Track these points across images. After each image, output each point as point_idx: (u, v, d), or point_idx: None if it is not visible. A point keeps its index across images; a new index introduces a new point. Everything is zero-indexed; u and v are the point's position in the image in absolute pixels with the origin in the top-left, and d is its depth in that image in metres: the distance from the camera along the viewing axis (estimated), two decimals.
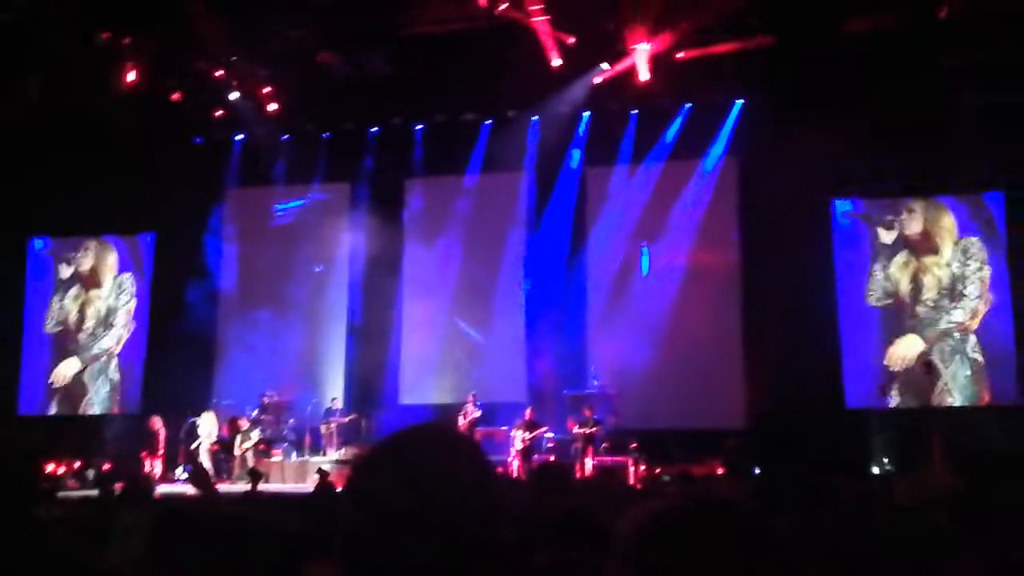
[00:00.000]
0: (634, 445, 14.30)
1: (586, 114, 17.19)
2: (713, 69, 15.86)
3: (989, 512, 3.04)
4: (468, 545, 1.16)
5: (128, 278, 18.92)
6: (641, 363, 16.12)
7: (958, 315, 15.40)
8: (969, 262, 15.48)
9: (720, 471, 12.82)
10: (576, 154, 17.30)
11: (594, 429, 14.42)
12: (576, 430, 14.62)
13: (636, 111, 16.97)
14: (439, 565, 1.15)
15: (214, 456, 15.83)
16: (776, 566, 1.09)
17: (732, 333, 16.10)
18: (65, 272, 19.12)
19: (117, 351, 18.69)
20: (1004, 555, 2.56)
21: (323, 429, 16.46)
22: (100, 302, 18.92)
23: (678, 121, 16.83)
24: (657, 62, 15.49)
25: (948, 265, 15.56)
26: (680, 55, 15.45)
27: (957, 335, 15.34)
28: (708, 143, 16.67)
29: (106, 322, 18.83)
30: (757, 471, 11.18)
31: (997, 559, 2.53)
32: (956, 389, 15.18)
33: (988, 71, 14.17)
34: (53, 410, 18.54)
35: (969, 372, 15.16)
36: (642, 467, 13.97)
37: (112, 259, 19.08)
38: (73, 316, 18.95)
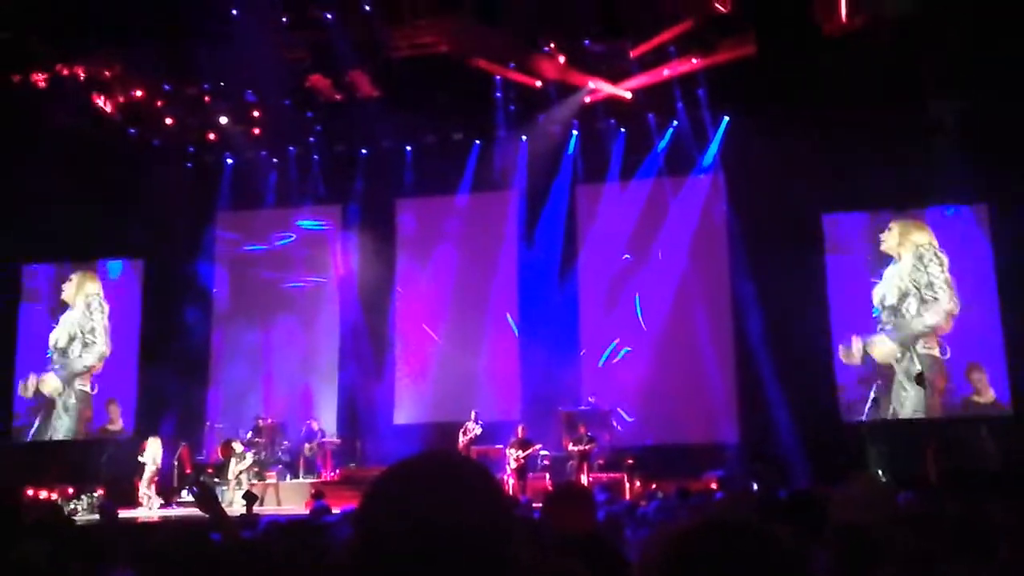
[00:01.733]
0: (630, 461, 14.29)
1: (575, 133, 17.31)
2: (699, 87, 16.05)
3: (983, 527, 3.08)
4: (479, 572, 1.18)
5: (96, 299, 18.85)
6: (635, 379, 16.17)
7: (928, 319, 15.58)
8: (929, 267, 15.67)
9: (714, 486, 12.81)
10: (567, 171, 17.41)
11: (589, 446, 14.40)
12: (571, 447, 14.61)
13: (624, 129, 17.10)
14: None
15: (157, 482, 15.68)
16: None
17: (725, 347, 16.15)
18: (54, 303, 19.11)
19: (95, 370, 18.61)
20: (996, 566, 2.60)
21: (306, 451, 16.41)
22: (74, 326, 18.85)
23: (666, 138, 16.95)
24: (642, 80, 15.67)
25: (910, 274, 15.76)
26: (665, 73, 15.58)
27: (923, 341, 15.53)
28: (696, 160, 16.78)
29: (82, 343, 18.76)
30: (755, 487, 11.18)
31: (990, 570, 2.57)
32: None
33: (970, 85, 14.30)
34: (34, 435, 18.40)
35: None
36: (637, 483, 13.95)
37: (95, 288, 19.01)
38: (61, 343, 18.91)
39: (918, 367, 15.25)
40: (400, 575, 1.17)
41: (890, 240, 16.03)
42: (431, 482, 1.23)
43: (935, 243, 15.82)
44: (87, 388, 18.60)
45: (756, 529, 1.13)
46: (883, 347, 15.68)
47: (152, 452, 15.76)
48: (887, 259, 15.99)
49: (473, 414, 15.38)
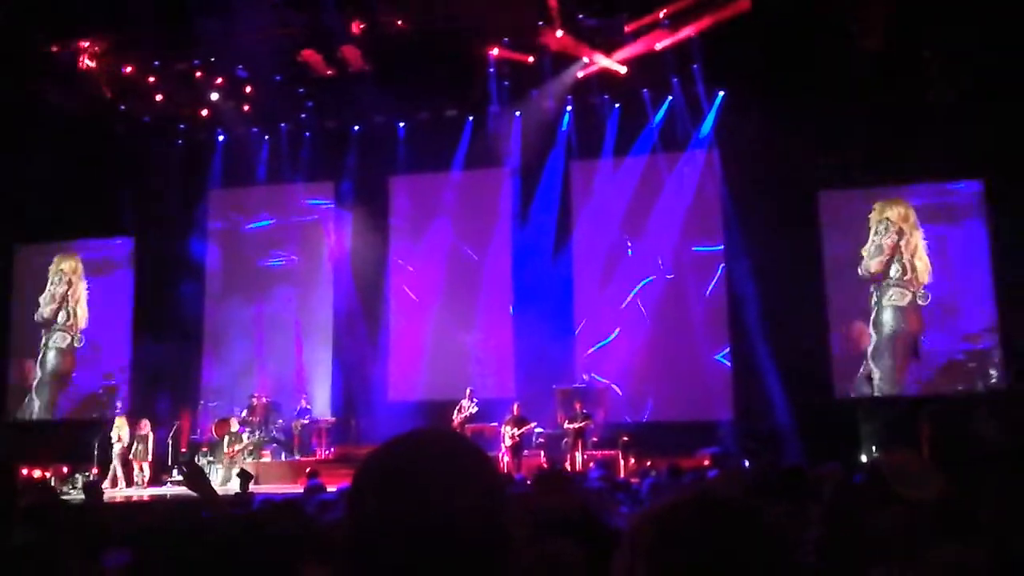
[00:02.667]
0: (625, 438, 14.33)
1: (569, 108, 17.23)
2: (694, 61, 15.97)
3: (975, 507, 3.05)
4: (472, 552, 1.16)
5: (77, 273, 18.84)
6: (629, 356, 16.19)
7: (894, 271, 15.72)
8: (890, 232, 15.80)
9: (707, 463, 12.84)
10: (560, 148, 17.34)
11: (584, 424, 14.44)
12: (566, 425, 14.64)
13: (619, 104, 17.01)
14: (446, 564, 1.15)
15: (124, 460, 15.69)
16: (779, 561, 1.10)
17: (719, 325, 16.16)
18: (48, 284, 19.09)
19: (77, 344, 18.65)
20: (989, 548, 2.58)
21: (294, 428, 16.45)
22: (56, 300, 18.87)
23: (661, 113, 16.88)
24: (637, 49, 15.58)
25: (891, 246, 15.84)
26: (660, 44, 15.49)
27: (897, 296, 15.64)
28: (691, 135, 16.71)
29: (68, 317, 18.78)
30: (747, 464, 11.21)
31: (983, 552, 2.55)
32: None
33: (967, 62, 14.23)
34: (34, 415, 18.39)
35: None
36: (632, 460, 13.99)
37: (78, 267, 18.98)
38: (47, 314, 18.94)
39: (913, 342, 15.29)
40: (392, 553, 1.15)
41: (872, 216, 16.08)
42: (422, 460, 1.21)
43: (912, 216, 15.82)
44: (71, 343, 18.58)
45: (739, 505, 1.12)
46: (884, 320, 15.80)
47: (119, 431, 15.77)
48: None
49: (468, 392, 15.39)
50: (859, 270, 15.87)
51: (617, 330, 16.61)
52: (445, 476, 1.19)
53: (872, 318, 15.70)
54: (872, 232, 15.99)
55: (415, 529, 1.15)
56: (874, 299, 15.76)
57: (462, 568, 1.15)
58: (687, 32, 15.25)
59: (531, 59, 16.20)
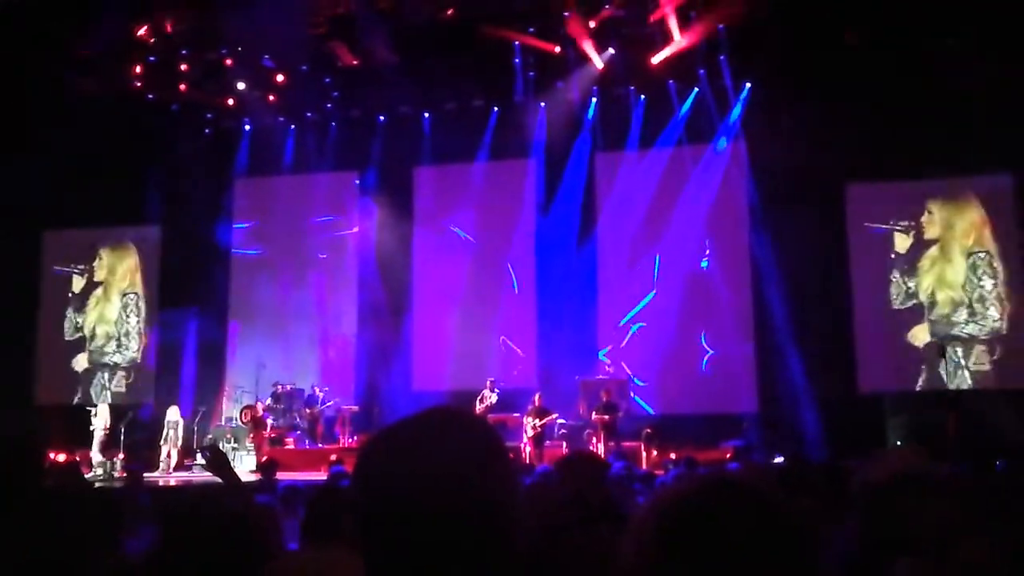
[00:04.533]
0: (648, 430, 14.26)
1: (594, 99, 17.16)
2: (721, 52, 15.86)
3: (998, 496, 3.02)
4: (480, 528, 1.15)
5: (133, 299, 18.97)
6: (653, 348, 16.13)
7: (972, 329, 15.38)
8: (983, 279, 15.41)
9: (729, 456, 12.79)
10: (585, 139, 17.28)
11: (611, 415, 14.32)
12: (594, 416, 14.57)
13: (644, 96, 16.92)
14: (452, 547, 1.14)
15: (104, 447, 15.83)
16: (798, 547, 1.07)
17: (744, 317, 16.07)
18: (78, 284, 19.23)
19: (126, 364, 18.84)
20: (1013, 539, 2.55)
21: (309, 416, 16.50)
22: (109, 324, 19.02)
23: (687, 105, 16.77)
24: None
25: (962, 286, 15.49)
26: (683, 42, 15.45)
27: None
28: (717, 127, 16.60)
29: (118, 339, 18.92)
30: (780, 459, 11.15)
31: (1006, 543, 2.52)
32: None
33: (993, 51, 14.03)
34: (71, 399, 18.59)
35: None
36: (654, 452, 13.94)
37: (128, 264, 19.11)
38: (89, 324, 19.08)
39: (939, 341, 15.13)
40: (396, 533, 1.15)
41: (931, 228, 15.74)
42: (426, 433, 1.20)
43: (990, 243, 15.47)
44: (117, 387, 18.76)
45: (759, 490, 1.08)
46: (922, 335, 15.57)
47: (103, 418, 15.92)
48: (917, 251, 15.74)
49: (489, 382, 15.38)
50: (906, 290, 15.63)
51: (641, 322, 16.55)
52: (450, 452, 1.17)
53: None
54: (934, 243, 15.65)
55: (417, 508, 1.14)
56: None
57: (468, 549, 1.14)
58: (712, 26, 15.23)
59: (557, 49, 16.14)
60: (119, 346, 18.88)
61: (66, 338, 19.06)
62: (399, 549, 1.15)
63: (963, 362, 15.19)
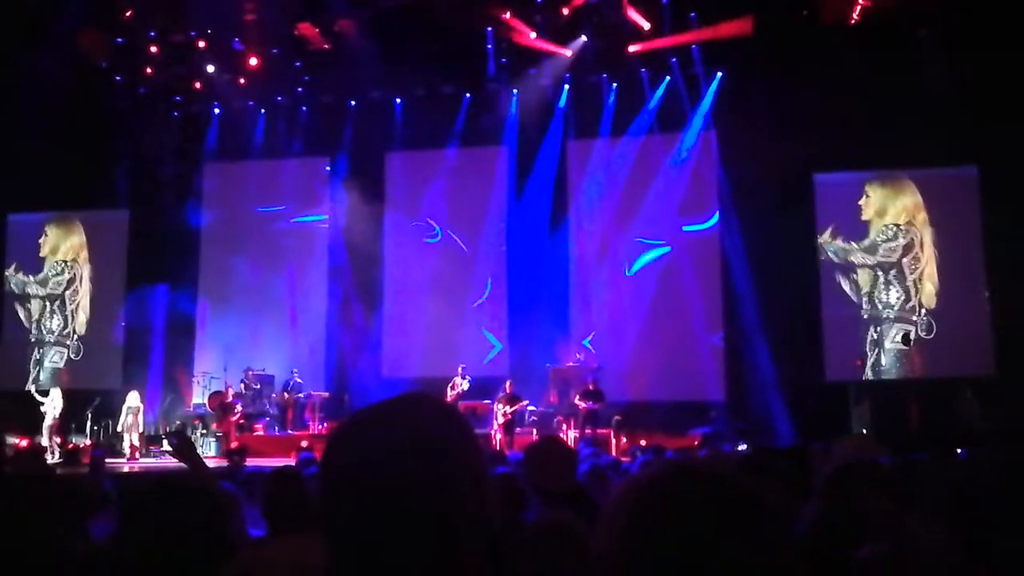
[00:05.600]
0: (618, 418, 14.33)
1: (566, 87, 17.14)
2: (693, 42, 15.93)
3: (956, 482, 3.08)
4: (448, 513, 1.14)
5: (81, 262, 18.76)
6: (624, 335, 16.20)
7: (892, 298, 15.62)
8: (895, 245, 15.66)
9: (697, 443, 12.88)
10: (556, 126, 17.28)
11: (597, 403, 14.32)
12: (577, 401, 14.58)
13: (616, 84, 16.93)
14: (420, 534, 1.13)
15: (58, 432, 15.79)
16: (767, 530, 1.08)
17: (713, 305, 16.18)
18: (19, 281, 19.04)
19: (79, 334, 18.64)
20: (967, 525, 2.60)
21: (284, 402, 16.45)
22: (52, 291, 18.85)
23: (659, 93, 16.81)
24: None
25: (874, 253, 15.76)
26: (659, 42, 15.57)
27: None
28: (688, 116, 16.65)
29: (62, 308, 18.72)
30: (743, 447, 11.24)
31: (961, 528, 2.57)
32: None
33: (964, 43, 14.19)
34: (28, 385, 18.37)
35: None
36: (624, 439, 14.02)
37: (74, 241, 18.89)
38: (35, 304, 18.89)
39: (904, 328, 15.34)
40: (362, 512, 1.14)
41: (868, 208, 16.00)
42: (394, 420, 1.19)
43: (921, 212, 15.74)
44: (68, 353, 18.58)
45: (725, 475, 1.09)
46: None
47: (54, 403, 15.86)
48: (864, 226, 15.98)
49: (460, 369, 15.39)
50: (848, 282, 15.87)
51: (611, 309, 16.61)
52: (417, 441, 1.16)
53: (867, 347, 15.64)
54: (873, 233, 15.90)
55: (384, 494, 1.13)
56: (872, 334, 15.69)
57: (436, 535, 1.14)
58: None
59: (533, 35, 16.10)
60: (65, 322, 18.69)
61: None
62: (366, 536, 1.14)
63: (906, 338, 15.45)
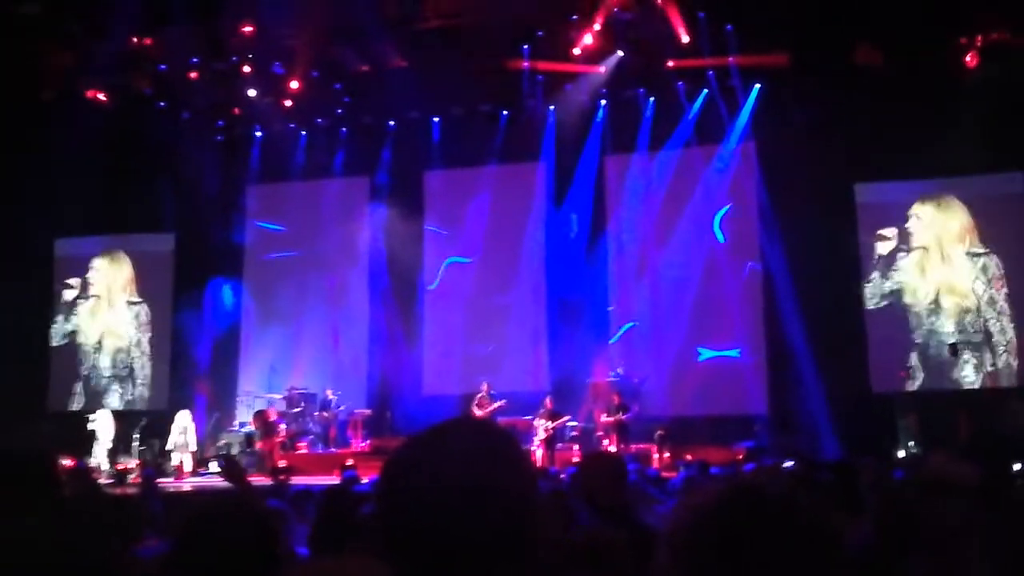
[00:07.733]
0: (660, 432, 14.24)
1: (603, 102, 17.16)
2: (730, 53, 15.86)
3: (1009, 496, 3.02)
4: (504, 536, 1.17)
5: (143, 309, 19.02)
6: (664, 349, 16.11)
7: (975, 335, 15.34)
8: (990, 290, 15.35)
9: (741, 457, 12.76)
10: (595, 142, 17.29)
11: (623, 416, 14.29)
12: (604, 418, 14.56)
13: (654, 98, 16.92)
14: (477, 557, 1.15)
15: (112, 454, 15.96)
16: (828, 555, 1.09)
17: (755, 318, 16.04)
18: (70, 293, 19.28)
19: (127, 359, 18.94)
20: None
21: (321, 420, 16.54)
22: (114, 333, 19.08)
23: (696, 106, 16.75)
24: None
25: (972, 292, 15.43)
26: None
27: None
28: (727, 128, 16.58)
29: (126, 350, 18.98)
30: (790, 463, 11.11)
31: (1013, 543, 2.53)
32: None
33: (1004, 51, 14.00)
34: (77, 406, 18.65)
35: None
36: (667, 453, 13.93)
37: (125, 275, 19.20)
38: (87, 330, 19.14)
39: (951, 339, 15.09)
40: (420, 538, 1.16)
41: (920, 230, 15.75)
42: (452, 444, 1.22)
43: (975, 242, 15.46)
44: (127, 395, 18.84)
45: (786, 496, 1.10)
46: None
47: (104, 424, 16.07)
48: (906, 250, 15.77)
49: (485, 386, 15.34)
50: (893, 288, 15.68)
51: (651, 323, 16.53)
52: (473, 458, 1.19)
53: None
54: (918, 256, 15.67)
55: (442, 518, 1.15)
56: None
57: (491, 560, 1.16)
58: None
59: (576, 52, 16.14)
60: (128, 356, 18.95)
61: (53, 343, 19.11)
62: (428, 556, 1.16)
63: (975, 363, 15.13)
